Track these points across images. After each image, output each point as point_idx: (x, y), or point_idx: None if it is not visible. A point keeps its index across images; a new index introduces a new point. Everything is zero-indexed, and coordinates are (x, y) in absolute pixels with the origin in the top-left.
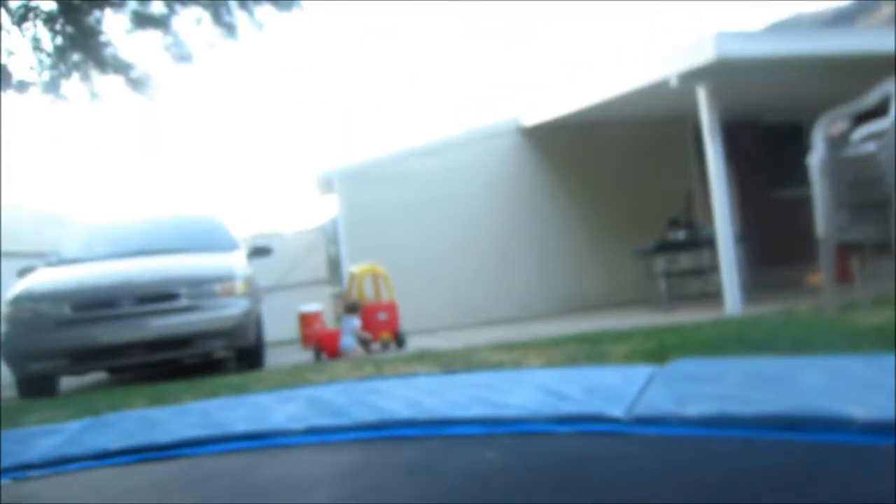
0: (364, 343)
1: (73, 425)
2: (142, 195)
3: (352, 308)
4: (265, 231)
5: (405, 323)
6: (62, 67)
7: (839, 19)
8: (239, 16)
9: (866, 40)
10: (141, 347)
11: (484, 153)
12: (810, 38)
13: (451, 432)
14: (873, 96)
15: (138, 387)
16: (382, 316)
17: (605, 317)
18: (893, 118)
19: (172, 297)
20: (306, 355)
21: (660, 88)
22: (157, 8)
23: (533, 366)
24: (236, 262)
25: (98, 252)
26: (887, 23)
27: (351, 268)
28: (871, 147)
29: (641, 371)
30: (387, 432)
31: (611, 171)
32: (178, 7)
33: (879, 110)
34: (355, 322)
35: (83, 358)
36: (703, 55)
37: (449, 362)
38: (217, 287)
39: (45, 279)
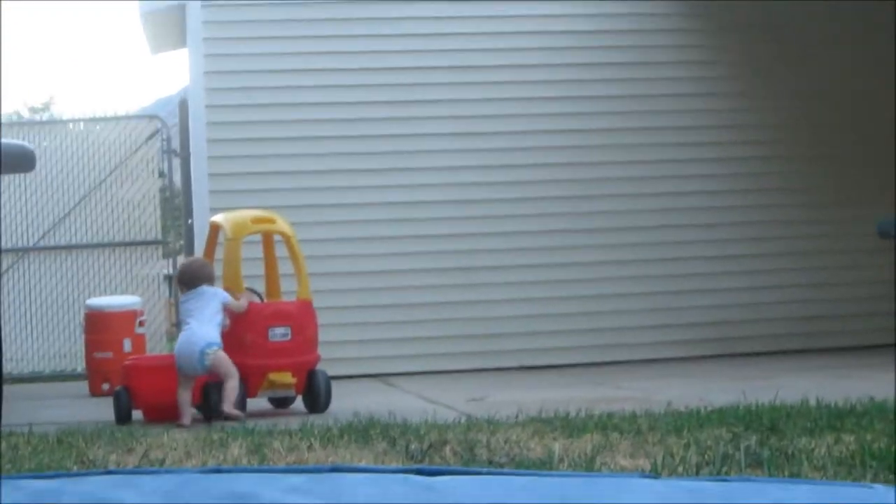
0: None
1: None
2: None
3: (191, 278)
4: (27, 112)
5: (328, 354)
6: None
7: None
8: None
9: None
10: None
11: None
12: None
13: None
14: None
15: None
16: (280, 333)
17: (797, 371)
18: None
19: None
20: (100, 407)
21: None
22: None
23: (626, 470)
24: None
25: None
26: None
27: (216, 217)
28: None
29: (875, 497)
30: None
31: (833, 56)
32: None
33: None
34: (223, 299)
35: None
36: None
37: (427, 450)
38: None
39: None
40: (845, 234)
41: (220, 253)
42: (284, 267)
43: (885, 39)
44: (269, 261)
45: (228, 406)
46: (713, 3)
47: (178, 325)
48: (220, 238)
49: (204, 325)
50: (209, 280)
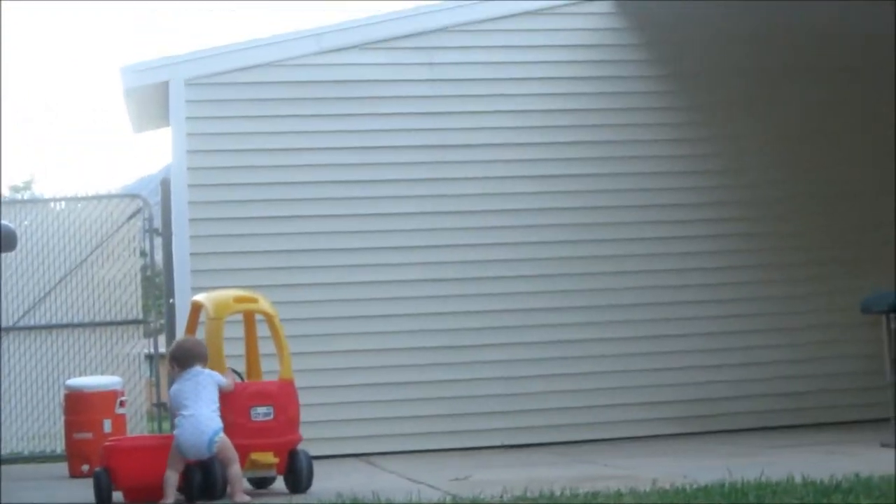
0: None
1: None
2: None
3: (184, 356)
4: (7, 191)
5: (309, 433)
6: None
7: None
8: None
9: None
10: None
11: (517, 49)
12: None
13: None
14: None
15: None
16: (262, 413)
17: (783, 448)
18: None
19: None
20: (80, 489)
21: None
22: None
23: None
24: None
25: None
26: None
27: (198, 296)
28: None
29: None
30: None
31: (816, 131)
32: None
33: None
34: (218, 381)
35: None
36: None
37: None
38: None
39: None
40: (829, 309)
41: (200, 332)
42: (265, 346)
43: (884, 126)
44: (251, 340)
45: (240, 496)
46: (705, 85)
47: (166, 405)
48: (202, 317)
49: (207, 411)
50: (202, 360)
